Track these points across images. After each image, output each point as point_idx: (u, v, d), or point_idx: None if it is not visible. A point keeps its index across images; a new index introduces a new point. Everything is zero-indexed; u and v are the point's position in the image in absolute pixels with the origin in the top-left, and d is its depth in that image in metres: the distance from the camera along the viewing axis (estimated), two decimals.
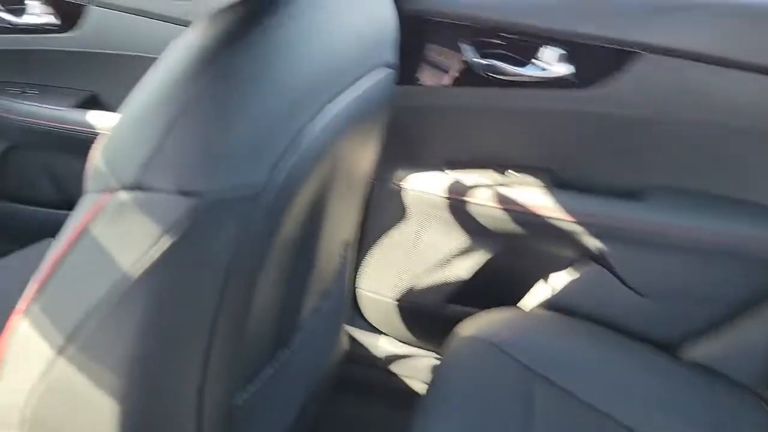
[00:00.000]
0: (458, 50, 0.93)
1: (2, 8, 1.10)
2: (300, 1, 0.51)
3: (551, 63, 0.89)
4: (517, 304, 1.05)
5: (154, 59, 0.47)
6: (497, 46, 0.91)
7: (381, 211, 1.05)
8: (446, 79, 0.96)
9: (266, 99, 0.45)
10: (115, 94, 1.17)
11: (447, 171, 1.00)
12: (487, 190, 0.96)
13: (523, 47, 0.90)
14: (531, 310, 1.02)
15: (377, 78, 0.67)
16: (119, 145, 0.44)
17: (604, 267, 0.97)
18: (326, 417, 1.03)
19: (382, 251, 1.08)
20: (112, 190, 0.43)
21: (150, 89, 0.44)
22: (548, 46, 0.89)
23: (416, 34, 0.93)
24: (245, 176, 0.44)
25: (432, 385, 0.86)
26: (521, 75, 0.90)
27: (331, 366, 0.98)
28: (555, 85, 0.91)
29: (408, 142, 1.00)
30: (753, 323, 0.92)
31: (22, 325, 0.50)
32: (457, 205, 0.98)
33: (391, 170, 1.02)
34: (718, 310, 0.94)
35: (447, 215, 1.00)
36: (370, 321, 1.16)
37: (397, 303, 1.11)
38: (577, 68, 0.89)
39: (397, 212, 1.04)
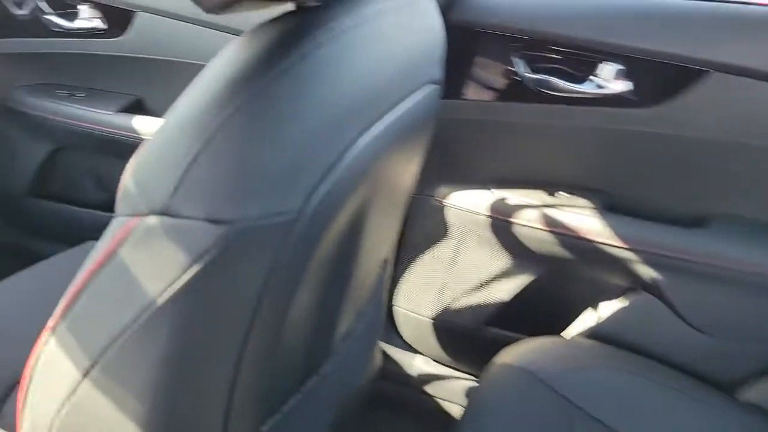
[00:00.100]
0: (508, 63, 0.89)
1: (55, 13, 1.12)
2: (343, 16, 0.48)
3: (609, 79, 0.84)
4: (561, 332, 1.00)
5: (199, 66, 0.45)
6: (551, 60, 0.87)
7: (421, 227, 1.02)
8: (494, 94, 0.92)
9: (305, 122, 0.42)
10: (159, 99, 1.17)
11: (492, 189, 0.95)
12: (533, 210, 0.92)
13: (579, 62, 0.85)
14: (574, 338, 0.97)
15: (423, 95, 0.63)
16: (149, 166, 0.42)
17: (657, 297, 0.91)
18: None
19: (420, 268, 1.05)
20: (140, 215, 0.41)
21: (183, 108, 0.42)
22: (606, 62, 0.83)
23: (463, 45, 0.89)
24: (279, 204, 0.41)
25: (468, 410, 0.82)
26: (576, 91, 0.85)
27: (364, 384, 0.95)
28: (612, 103, 0.86)
29: (452, 157, 0.97)
30: None
31: (50, 344, 0.49)
32: (502, 224, 0.94)
33: (433, 186, 0.98)
34: None
35: (490, 235, 0.96)
36: (405, 339, 1.13)
37: (433, 322, 1.07)
38: (636, 86, 0.84)
39: (438, 229, 1.00)
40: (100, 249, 0.45)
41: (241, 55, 0.43)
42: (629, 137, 0.87)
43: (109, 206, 1.27)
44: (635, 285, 0.92)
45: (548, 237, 0.91)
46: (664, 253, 0.88)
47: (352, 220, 0.57)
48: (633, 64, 0.83)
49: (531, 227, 0.92)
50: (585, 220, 0.90)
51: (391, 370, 1.12)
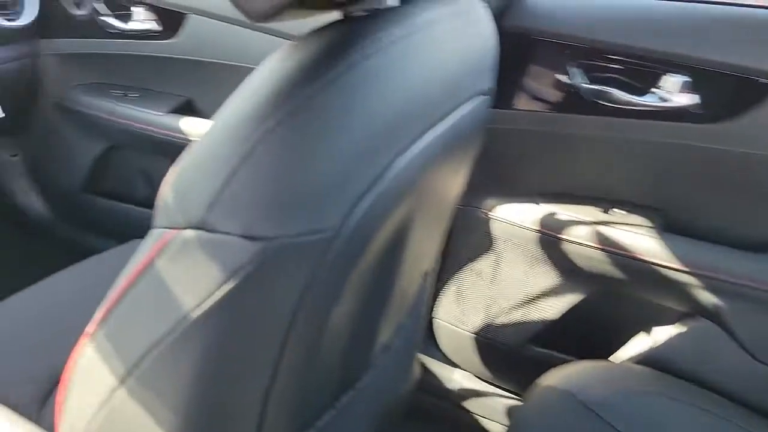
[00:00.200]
0: (563, 73, 0.86)
1: (111, 14, 1.15)
2: (393, 26, 0.46)
3: (673, 92, 0.79)
4: (609, 356, 0.95)
5: (248, 69, 0.44)
6: (609, 70, 0.82)
7: (465, 239, 0.99)
8: (547, 104, 0.89)
9: (349, 136, 0.40)
10: (208, 101, 1.18)
11: (540, 203, 0.92)
12: (584, 227, 0.88)
13: (640, 73, 0.81)
14: (624, 363, 0.92)
15: (473, 105, 0.61)
16: (188, 178, 0.41)
17: (716, 324, 0.85)
18: None
19: (463, 281, 1.02)
20: (177, 227, 0.40)
21: (224, 119, 0.41)
22: (671, 73, 0.79)
23: (515, 53, 0.86)
24: (318, 221, 0.40)
25: (510, 431, 0.79)
26: (637, 104, 0.81)
27: (402, 397, 0.93)
28: (675, 117, 0.81)
29: (500, 168, 0.94)
30: None
31: (88, 350, 0.49)
32: (550, 240, 0.90)
33: (479, 197, 0.95)
34: None
35: (537, 250, 0.93)
36: (445, 352, 1.10)
37: (475, 337, 1.04)
38: (703, 99, 0.79)
39: (483, 242, 0.97)
40: (138, 258, 0.45)
41: (285, 65, 0.41)
42: (692, 153, 0.82)
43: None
44: (692, 310, 0.87)
45: (599, 255, 0.87)
46: (725, 279, 0.82)
47: (394, 233, 0.55)
48: (700, 77, 0.78)
49: (581, 244, 0.88)
50: (640, 239, 0.85)
51: (430, 383, 1.10)
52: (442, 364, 1.11)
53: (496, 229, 0.95)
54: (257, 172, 0.38)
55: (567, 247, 0.89)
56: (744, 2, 0.82)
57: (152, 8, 1.12)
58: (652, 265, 0.85)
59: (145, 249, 0.44)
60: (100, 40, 1.18)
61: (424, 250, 0.74)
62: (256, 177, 0.38)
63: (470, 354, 1.06)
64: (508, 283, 0.98)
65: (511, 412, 1.04)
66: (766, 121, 0.77)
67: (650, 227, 0.86)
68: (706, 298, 0.84)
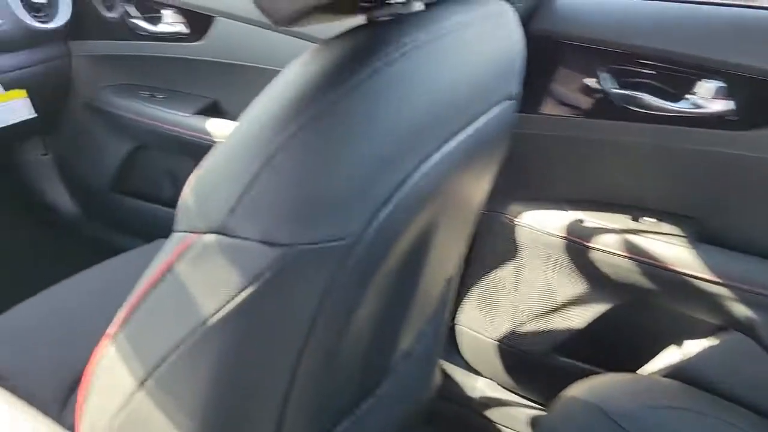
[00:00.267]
0: (592, 77, 0.84)
1: (140, 16, 1.16)
2: (418, 31, 0.45)
3: (707, 98, 0.77)
4: (637, 369, 0.92)
5: (273, 71, 0.44)
6: (641, 75, 0.80)
7: (490, 245, 0.97)
8: (575, 109, 0.87)
9: (372, 142, 0.40)
10: (234, 102, 1.19)
11: (568, 209, 0.90)
12: (613, 235, 0.85)
13: (673, 78, 0.79)
14: (652, 376, 0.89)
15: (499, 110, 0.59)
16: (209, 183, 0.41)
17: (750, 338, 0.82)
18: None
19: (487, 288, 1.00)
20: (198, 232, 0.40)
21: (246, 123, 0.41)
22: (705, 79, 0.76)
23: (543, 57, 0.85)
24: (340, 227, 0.39)
25: None
26: (669, 110, 0.78)
27: (422, 404, 0.92)
28: (709, 124, 0.78)
29: (526, 174, 0.92)
30: None
31: (109, 351, 0.49)
32: (577, 248, 0.88)
33: (504, 203, 0.94)
34: None
35: (564, 258, 0.90)
36: (467, 359, 1.09)
37: (498, 344, 1.02)
38: (738, 106, 0.76)
39: (508, 248, 0.95)
40: (159, 261, 0.44)
41: (308, 70, 0.41)
42: (727, 161, 0.79)
43: None
44: (724, 323, 0.84)
45: (629, 265, 0.85)
46: (759, 291, 0.79)
47: (417, 239, 0.54)
48: (735, 82, 0.76)
49: (610, 253, 0.86)
50: (671, 248, 0.82)
51: (451, 390, 1.08)
52: (464, 371, 1.09)
53: (521, 235, 0.93)
54: (278, 177, 0.37)
55: (594, 256, 0.87)
56: None
57: (181, 11, 1.13)
58: (683, 276, 0.82)
59: (166, 252, 0.44)
60: (130, 42, 1.20)
61: (447, 255, 0.73)
62: (277, 182, 0.37)
63: (493, 362, 1.05)
64: (533, 290, 0.96)
65: (534, 422, 1.02)
66: None
67: (681, 236, 0.83)
68: (739, 310, 0.81)
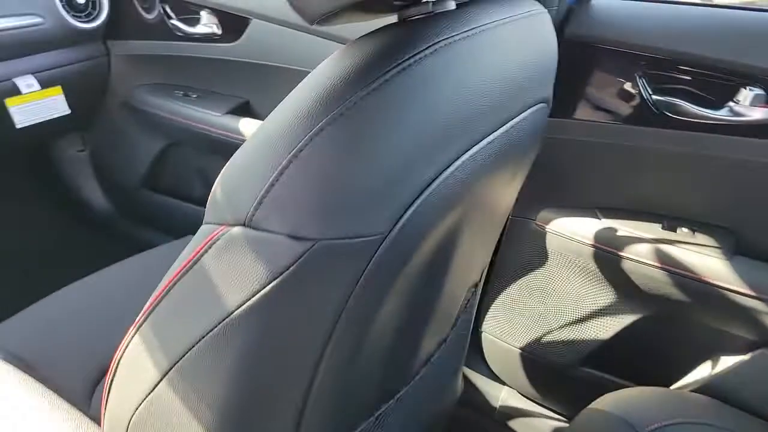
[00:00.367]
0: (628, 83, 0.82)
1: (177, 18, 1.18)
2: (450, 29, 0.44)
3: (746, 105, 0.74)
4: (668, 384, 0.90)
5: (306, 73, 0.44)
6: (679, 81, 0.78)
7: (518, 252, 0.96)
8: (610, 115, 0.85)
9: (401, 138, 0.39)
10: (265, 103, 1.20)
11: (600, 217, 0.88)
12: (647, 245, 0.83)
13: (714, 85, 0.76)
14: (684, 391, 0.86)
15: (531, 113, 0.58)
16: (238, 176, 0.41)
17: None
18: None
19: (513, 295, 0.98)
20: (226, 224, 0.40)
21: (275, 118, 0.41)
22: (748, 86, 0.74)
23: (577, 61, 0.83)
24: (365, 225, 0.39)
25: None
26: (709, 117, 0.76)
27: (443, 411, 0.91)
28: (751, 133, 0.76)
29: (557, 180, 0.90)
30: None
31: (134, 341, 0.50)
32: (609, 257, 0.86)
33: (534, 209, 0.92)
34: None
35: (594, 267, 0.88)
36: (491, 367, 1.07)
37: (523, 354, 1.00)
38: None
39: (537, 255, 0.94)
40: (187, 253, 0.45)
41: (338, 66, 0.41)
42: (766, 171, 0.77)
43: None
44: (760, 339, 0.81)
45: (661, 276, 0.82)
46: None
47: (443, 241, 0.53)
48: None
49: (642, 263, 0.83)
50: (706, 260, 0.80)
51: (474, 398, 1.07)
52: (488, 379, 1.07)
53: (550, 242, 0.92)
54: (305, 171, 0.37)
55: (626, 265, 0.85)
56: None
57: (216, 12, 1.14)
58: (719, 289, 0.79)
59: (194, 244, 0.44)
60: (167, 42, 1.22)
61: (473, 260, 0.72)
62: (304, 176, 0.37)
63: (517, 371, 1.03)
64: (561, 299, 0.94)
65: None
66: None
67: (718, 248, 0.80)
68: None
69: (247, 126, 1.15)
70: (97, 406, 0.66)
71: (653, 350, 0.90)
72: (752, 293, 0.78)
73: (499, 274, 0.99)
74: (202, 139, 1.21)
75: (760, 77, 0.74)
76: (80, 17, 1.21)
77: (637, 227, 0.85)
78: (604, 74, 0.85)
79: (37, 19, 1.14)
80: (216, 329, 0.43)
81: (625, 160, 0.85)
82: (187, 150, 1.30)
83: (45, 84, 1.18)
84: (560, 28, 0.79)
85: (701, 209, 0.83)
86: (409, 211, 0.41)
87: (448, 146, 0.43)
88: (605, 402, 0.80)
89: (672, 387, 0.89)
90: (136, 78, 1.30)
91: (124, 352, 0.51)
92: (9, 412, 0.61)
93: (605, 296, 0.90)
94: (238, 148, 0.43)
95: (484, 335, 1.04)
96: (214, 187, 0.43)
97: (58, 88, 1.21)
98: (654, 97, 0.79)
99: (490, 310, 1.02)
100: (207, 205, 0.43)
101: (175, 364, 0.46)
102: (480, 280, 0.83)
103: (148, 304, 0.48)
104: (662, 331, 0.88)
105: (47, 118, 1.21)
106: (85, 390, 0.69)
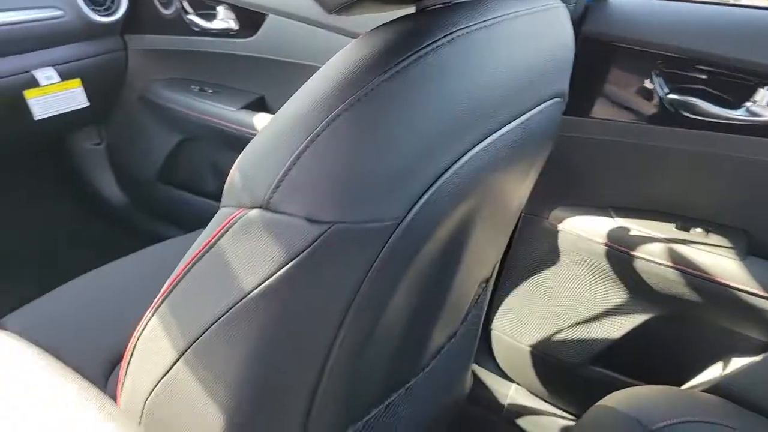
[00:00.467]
0: (644, 81, 0.82)
1: (195, 12, 1.20)
2: (467, 19, 0.45)
3: (763, 106, 0.74)
4: (678, 383, 0.89)
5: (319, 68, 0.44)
6: (696, 80, 0.78)
7: (529, 249, 0.96)
8: (625, 113, 0.85)
9: (416, 126, 0.40)
10: (280, 98, 1.21)
11: (614, 216, 0.88)
12: (660, 244, 0.83)
13: (731, 84, 0.76)
14: (694, 391, 0.86)
15: (546, 108, 0.58)
16: (256, 160, 0.42)
17: None
18: None
19: (524, 293, 0.98)
20: (244, 207, 0.41)
21: (292, 105, 0.41)
22: (762, 86, 0.73)
23: (593, 59, 0.83)
24: (380, 210, 0.39)
25: None
26: (726, 117, 0.76)
27: (452, 405, 0.91)
28: (765, 133, 0.75)
29: (570, 178, 0.90)
30: None
31: (152, 322, 0.51)
32: (621, 256, 0.86)
33: (546, 207, 0.92)
34: None
35: (607, 266, 0.88)
36: (500, 365, 1.07)
37: (533, 351, 1.00)
38: None
39: (549, 253, 0.94)
40: (204, 237, 0.45)
41: (355, 54, 0.41)
42: None
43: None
44: None
45: (674, 275, 0.82)
46: None
47: (455, 232, 0.53)
48: None
49: (655, 262, 0.83)
50: (720, 261, 0.80)
51: (482, 395, 1.07)
52: (497, 377, 1.07)
53: (562, 240, 0.92)
54: (322, 155, 0.38)
55: (638, 265, 0.85)
56: None
57: (233, 8, 1.15)
58: (732, 290, 0.79)
59: (212, 227, 0.45)
60: (184, 37, 1.23)
61: (484, 255, 0.72)
62: (320, 160, 0.38)
63: (526, 368, 1.03)
64: (573, 298, 0.94)
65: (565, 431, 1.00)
66: None
67: (732, 249, 0.80)
68: None
69: (262, 121, 1.16)
70: (113, 391, 0.67)
71: (664, 350, 0.90)
72: (765, 294, 0.77)
73: (510, 272, 0.99)
74: (217, 133, 1.22)
75: None
76: (99, 11, 1.22)
77: (650, 227, 0.85)
78: (621, 72, 0.85)
79: (57, 12, 1.16)
80: (232, 310, 0.44)
81: (640, 159, 0.85)
82: (203, 144, 1.31)
83: (64, 77, 1.20)
84: (577, 25, 0.79)
85: (715, 209, 0.83)
86: (423, 198, 0.42)
87: (464, 135, 0.44)
88: (614, 399, 0.80)
89: (682, 387, 0.89)
90: (153, 72, 1.31)
91: (141, 334, 0.51)
92: (27, 389, 0.62)
93: (617, 295, 0.89)
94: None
95: (493, 333, 1.04)
96: (231, 171, 0.44)
97: (78, 81, 1.22)
98: (670, 96, 0.79)
99: (500, 307, 1.02)
100: (224, 189, 0.44)
101: (191, 345, 0.47)
102: (491, 276, 0.83)
103: (165, 286, 0.49)
104: (674, 331, 0.88)
105: (66, 110, 1.23)
106: (100, 374, 0.70)
